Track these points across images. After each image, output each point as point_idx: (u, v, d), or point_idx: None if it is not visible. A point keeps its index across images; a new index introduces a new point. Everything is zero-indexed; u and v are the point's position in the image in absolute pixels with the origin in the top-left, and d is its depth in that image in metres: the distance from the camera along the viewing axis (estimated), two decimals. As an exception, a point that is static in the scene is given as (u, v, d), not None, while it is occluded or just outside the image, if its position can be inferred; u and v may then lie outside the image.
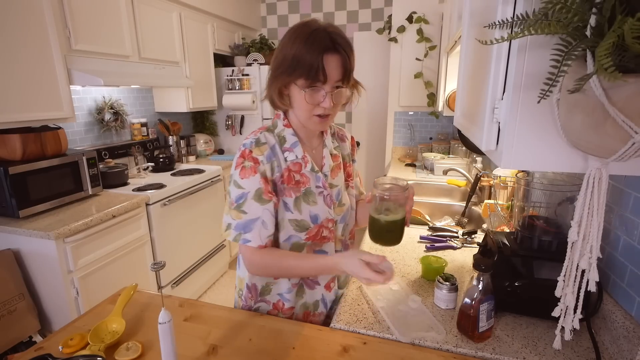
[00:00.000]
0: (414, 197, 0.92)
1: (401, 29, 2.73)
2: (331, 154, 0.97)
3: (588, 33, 0.44)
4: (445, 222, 1.82)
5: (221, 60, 3.40)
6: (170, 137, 2.98)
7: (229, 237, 0.86)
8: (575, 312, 0.66)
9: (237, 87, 3.27)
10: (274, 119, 0.94)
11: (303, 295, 0.98)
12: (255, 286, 0.98)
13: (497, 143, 0.66)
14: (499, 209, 1.44)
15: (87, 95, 2.40)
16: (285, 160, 0.89)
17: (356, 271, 0.78)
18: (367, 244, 1.39)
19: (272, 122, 0.94)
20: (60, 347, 0.83)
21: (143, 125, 2.82)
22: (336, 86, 0.82)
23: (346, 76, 0.81)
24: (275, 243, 0.92)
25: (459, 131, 2.28)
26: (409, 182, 0.85)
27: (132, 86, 2.70)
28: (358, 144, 3.89)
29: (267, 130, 0.91)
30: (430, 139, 3.19)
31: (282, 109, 0.91)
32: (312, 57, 0.77)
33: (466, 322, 0.84)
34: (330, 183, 0.95)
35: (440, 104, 2.45)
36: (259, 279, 0.97)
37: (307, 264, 0.85)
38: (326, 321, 1.02)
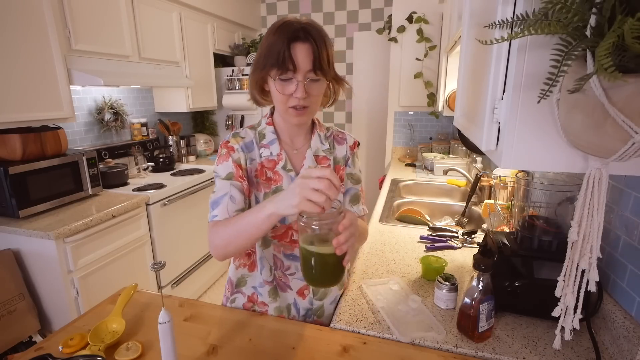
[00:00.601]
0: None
1: (401, 29, 2.73)
2: (317, 156, 0.93)
3: (588, 33, 0.44)
4: (445, 222, 1.82)
5: (221, 60, 3.40)
6: (170, 137, 2.98)
7: (210, 217, 0.87)
8: (575, 312, 0.66)
9: (237, 87, 3.27)
10: (262, 117, 0.96)
11: (277, 298, 0.96)
12: (231, 279, 1.01)
13: (497, 143, 0.66)
14: (499, 209, 1.44)
15: (87, 95, 2.40)
16: (260, 156, 0.91)
17: (300, 190, 0.64)
18: (367, 243, 1.39)
19: (258, 121, 0.96)
20: (60, 347, 0.83)
21: (143, 125, 2.82)
22: (310, 78, 0.79)
23: (318, 66, 0.78)
24: None
25: (459, 131, 2.28)
26: (340, 202, 0.69)
27: (132, 86, 2.70)
28: (358, 144, 3.89)
29: (250, 128, 0.94)
30: (430, 139, 3.19)
31: (264, 105, 0.92)
32: (280, 45, 0.76)
33: (466, 322, 0.84)
34: None
35: (440, 104, 2.45)
36: (234, 272, 0.99)
37: (248, 213, 0.76)
38: None
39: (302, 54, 0.77)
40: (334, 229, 0.65)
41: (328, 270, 0.68)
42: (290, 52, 0.76)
